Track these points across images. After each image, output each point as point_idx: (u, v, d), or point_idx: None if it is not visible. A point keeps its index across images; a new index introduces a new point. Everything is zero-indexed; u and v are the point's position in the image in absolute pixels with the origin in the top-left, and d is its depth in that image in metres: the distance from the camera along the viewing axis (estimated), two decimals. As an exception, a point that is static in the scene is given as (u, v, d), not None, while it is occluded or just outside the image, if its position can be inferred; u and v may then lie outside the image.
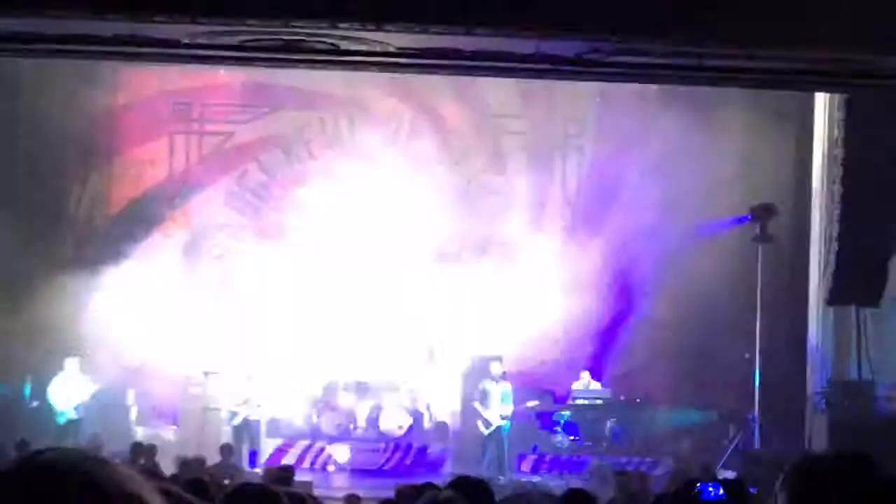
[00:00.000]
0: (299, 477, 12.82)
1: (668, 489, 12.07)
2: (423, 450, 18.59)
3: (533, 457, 18.93)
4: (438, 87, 21.06)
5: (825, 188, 18.60)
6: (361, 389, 18.99)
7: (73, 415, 17.81)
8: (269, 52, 13.43)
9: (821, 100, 18.71)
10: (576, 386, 19.35)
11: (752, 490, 11.10)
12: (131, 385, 19.54)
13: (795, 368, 18.89)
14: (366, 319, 20.59)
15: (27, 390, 18.65)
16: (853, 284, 18.03)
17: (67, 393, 17.89)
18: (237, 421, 18.28)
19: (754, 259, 19.04)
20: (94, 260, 20.10)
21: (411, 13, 11.70)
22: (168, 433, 19.10)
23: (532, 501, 7.96)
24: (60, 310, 19.01)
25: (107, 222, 20.81)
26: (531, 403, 18.85)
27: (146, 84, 20.92)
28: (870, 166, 17.60)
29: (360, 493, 11.11)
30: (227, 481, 12.27)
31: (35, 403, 18.51)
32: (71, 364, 18.01)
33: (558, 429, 18.74)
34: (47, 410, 17.90)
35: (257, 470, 16.11)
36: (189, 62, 17.77)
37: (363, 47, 12.71)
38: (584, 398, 19.06)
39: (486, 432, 18.27)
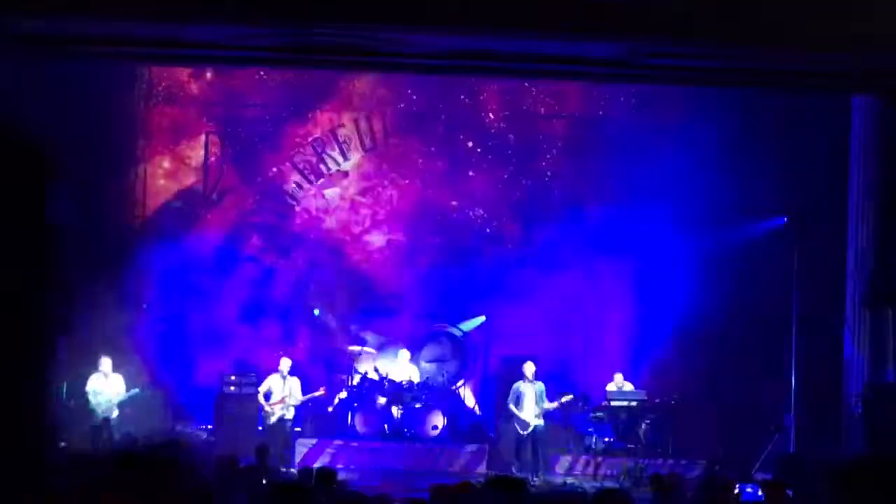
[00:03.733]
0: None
1: (704, 491, 12.01)
2: (457, 450, 18.59)
3: (567, 458, 18.89)
4: (475, 87, 21.07)
5: (862, 190, 18.47)
6: (396, 389, 19.00)
7: (108, 413, 17.89)
8: (306, 53, 13.49)
9: (858, 102, 18.60)
10: (610, 387, 19.29)
11: (788, 492, 11.05)
12: (166, 384, 19.64)
13: (832, 371, 18.76)
14: (401, 319, 20.65)
15: (64, 389, 18.75)
16: (890, 286, 17.90)
17: (104, 391, 17.98)
18: (272, 420, 18.34)
19: (791, 262, 18.93)
20: (128, 259, 20.21)
21: (448, 15, 11.71)
22: (203, 432, 19.19)
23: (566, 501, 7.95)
24: (95, 308, 19.13)
25: (141, 222, 20.91)
26: (566, 398, 18.72)
27: (181, 84, 21.03)
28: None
29: (394, 494, 11.11)
30: (264, 481, 12.34)
31: (71, 402, 18.61)
32: (106, 363, 18.10)
33: (592, 430, 18.69)
34: (83, 409, 17.99)
35: (293, 470, 16.16)
36: (226, 63, 17.89)
37: (400, 48, 12.74)
38: (619, 399, 19.00)
39: (522, 433, 18.27)
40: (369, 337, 20.53)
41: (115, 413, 17.95)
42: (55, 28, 12.88)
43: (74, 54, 14.79)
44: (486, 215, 21.18)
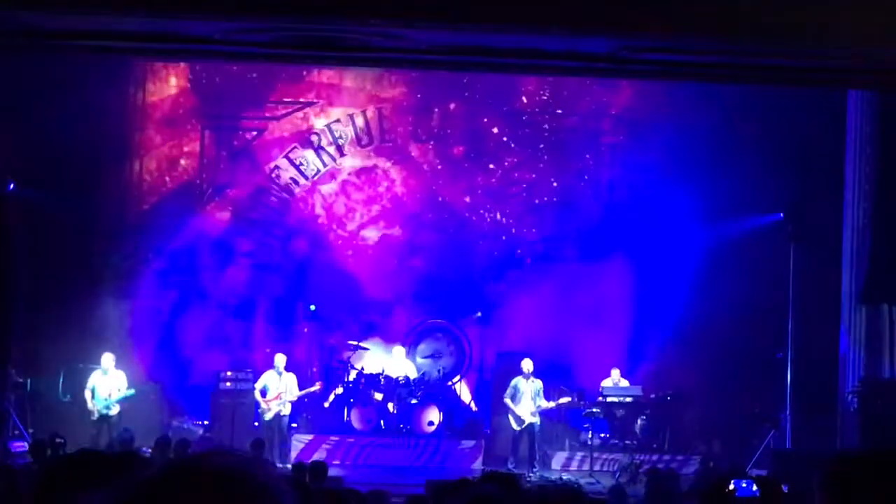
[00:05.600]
0: (329, 472, 12.83)
1: (699, 487, 12.03)
2: (453, 446, 18.59)
3: (563, 454, 18.89)
4: (469, 83, 21.05)
5: (858, 185, 18.49)
6: (392, 385, 19.00)
7: (107, 410, 17.84)
8: (301, 49, 13.44)
9: (854, 96, 18.60)
10: (606, 383, 19.30)
11: (783, 488, 11.06)
12: (163, 380, 19.64)
13: (828, 367, 18.78)
14: (398, 314, 20.65)
15: (60, 385, 18.73)
16: (886, 282, 17.92)
17: (104, 388, 17.92)
18: (268, 416, 18.33)
19: (787, 257, 18.95)
20: (125, 256, 20.21)
21: (442, 10, 11.67)
22: (199, 428, 19.20)
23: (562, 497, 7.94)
24: (94, 304, 19.14)
25: (138, 218, 20.89)
26: (563, 400, 18.76)
27: (177, 79, 21.00)
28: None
29: (390, 490, 11.12)
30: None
31: (68, 398, 18.59)
32: (107, 359, 18.03)
33: (588, 426, 18.69)
34: (80, 405, 17.96)
35: (288, 465, 16.15)
36: (221, 58, 17.85)
37: (394, 44, 12.70)
38: (615, 395, 19.00)
39: (517, 429, 18.27)
40: (366, 333, 20.51)
41: (116, 410, 17.86)
42: (51, 23, 12.83)
43: (70, 49, 14.75)
44: (482, 211, 21.17)
